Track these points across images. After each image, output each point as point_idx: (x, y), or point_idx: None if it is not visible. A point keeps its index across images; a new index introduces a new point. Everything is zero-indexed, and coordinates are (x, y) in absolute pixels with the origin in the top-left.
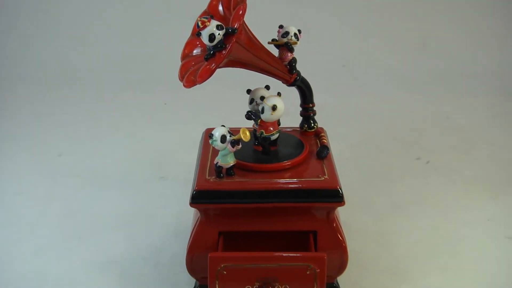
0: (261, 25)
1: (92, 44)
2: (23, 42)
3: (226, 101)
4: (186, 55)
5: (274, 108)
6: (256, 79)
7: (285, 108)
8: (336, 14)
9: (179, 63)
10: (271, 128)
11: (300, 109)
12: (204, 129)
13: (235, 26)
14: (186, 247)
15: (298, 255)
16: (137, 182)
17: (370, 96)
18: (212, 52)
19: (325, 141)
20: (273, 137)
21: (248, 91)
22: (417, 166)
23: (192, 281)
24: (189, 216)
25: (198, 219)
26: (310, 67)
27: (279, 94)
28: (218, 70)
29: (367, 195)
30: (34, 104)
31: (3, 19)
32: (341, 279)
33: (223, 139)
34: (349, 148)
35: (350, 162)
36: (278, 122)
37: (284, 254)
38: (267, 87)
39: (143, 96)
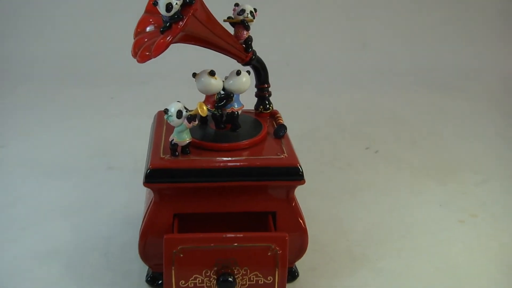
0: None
1: (38, 41)
2: None
3: (171, 95)
4: (139, 33)
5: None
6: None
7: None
8: (281, 15)
9: (125, 60)
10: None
11: (256, 90)
12: (149, 121)
13: None
14: (139, 232)
15: (258, 235)
16: (83, 172)
17: (312, 91)
18: (168, 24)
19: (281, 121)
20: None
21: None
22: (366, 155)
23: (144, 269)
24: (139, 205)
25: (151, 201)
26: None
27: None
28: (163, 57)
29: (317, 182)
30: None
31: None
32: (299, 264)
33: (179, 114)
34: (295, 139)
35: (297, 152)
36: (216, 103)
37: (244, 234)
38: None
39: (90, 91)
